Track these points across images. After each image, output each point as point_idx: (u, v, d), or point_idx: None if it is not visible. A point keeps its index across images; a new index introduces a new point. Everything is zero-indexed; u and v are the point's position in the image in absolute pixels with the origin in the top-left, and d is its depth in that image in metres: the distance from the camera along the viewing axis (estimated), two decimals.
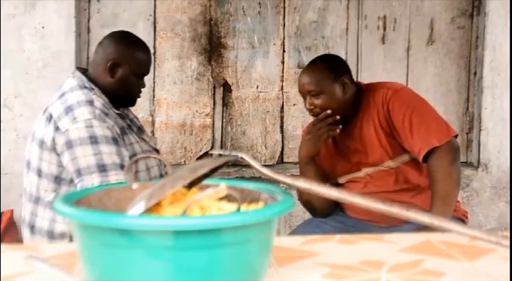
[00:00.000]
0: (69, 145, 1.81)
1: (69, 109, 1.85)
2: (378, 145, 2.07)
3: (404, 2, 3.27)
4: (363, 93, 2.13)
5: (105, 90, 1.96)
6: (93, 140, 1.80)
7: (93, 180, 1.79)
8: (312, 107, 2.06)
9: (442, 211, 1.86)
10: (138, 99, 2.13)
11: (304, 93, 2.09)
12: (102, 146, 1.81)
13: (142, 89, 2.06)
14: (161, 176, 1.99)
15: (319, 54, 3.21)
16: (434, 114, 2.05)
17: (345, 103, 2.07)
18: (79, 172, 1.80)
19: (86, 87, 1.93)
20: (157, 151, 2.17)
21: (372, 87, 2.13)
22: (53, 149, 1.85)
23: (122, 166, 1.82)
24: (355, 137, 2.11)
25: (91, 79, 1.96)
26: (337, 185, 2.19)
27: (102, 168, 1.79)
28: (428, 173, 1.95)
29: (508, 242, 0.80)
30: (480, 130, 3.23)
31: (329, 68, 2.08)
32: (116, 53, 1.97)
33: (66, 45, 2.95)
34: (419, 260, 0.93)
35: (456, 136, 2.04)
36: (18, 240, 2.76)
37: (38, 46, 2.95)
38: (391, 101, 2.02)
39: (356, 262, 0.91)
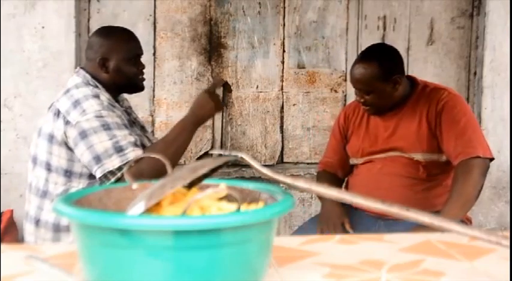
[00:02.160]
0: (83, 135, 1.84)
1: (76, 103, 1.89)
2: (414, 136, 2.10)
3: (404, 2, 3.27)
4: (415, 87, 2.16)
5: (107, 86, 2.00)
6: (106, 127, 1.85)
7: (113, 162, 1.83)
8: (362, 100, 2.12)
9: (457, 212, 1.87)
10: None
11: (355, 87, 2.15)
12: (115, 131, 1.85)
13: (144, 70, 2.09)
14: None
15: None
16: (481, 132, 2.12)
17: (393, 98, 2.12)
18: (98, 158, 1.84)
19: (90, 84, 1.97)
20: None
21: (430, 85, 2.18)
22: (64, 143, 1.89)
23: (136, 144, 1.87)
24: (391, 125, 2.15)
25: (93, 77, 2.00)
26: (353, 165, 2.27)
27: (119, 148, 1.84)
28: (457, 176, 1.95)
29: (508, 242, 0.80)
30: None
31: (382, 67, 2.06)
32: (101, 48, 2.00)
33: (66, 45, 2.95)
34: (419, 260, 0.93)
35: (493, 159, 2.07)
36: (18, 240, 2.76)
37: (38, 46, 2.95)
38: (448, 101, 2.07)
39: (356, 262, 0.91)
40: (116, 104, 1.98)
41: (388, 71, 2.07)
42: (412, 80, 2.20)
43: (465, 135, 2.00)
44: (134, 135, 1.92)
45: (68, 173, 1.91)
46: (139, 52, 2.07)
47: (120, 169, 1.82)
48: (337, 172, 2.32)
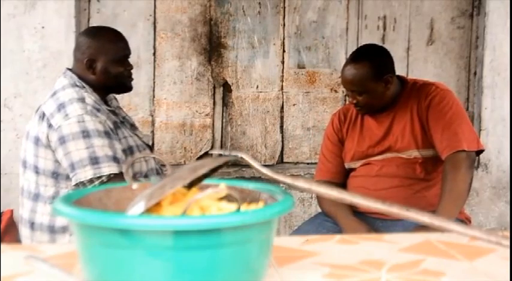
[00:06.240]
0: (62, 140, 1.83)
1: (61, 106, 1.88)
2: (409, 132, 2.11)
3: (404, 2, 3.27)
4: (405, 85, 2.17)
5: (94, 87, 1.99)
6: (85, 134, 1.82)
7: (86, 173, 1.81)
8: (354, 101, 2.11)
9: (450, 209, 1.88)
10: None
11: (346, 88, 2.15)
12: (94, 139, 1.83)
13: (131, 71, 2.07)
14: (146, 175, 2.00)
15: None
16: (470, 124, 2.11)
17: (385, 98, 2.12)
18: (72, 166, 1.82)
19: (77, 85, 1.96)
20: (150, 147, 2.20)
21: (419, 82, 2.19)
22: (48, 146, 1.88)
23: (114, 158, 1.84)
24: (385, 125, 2.15)
25: (81, 78, 1.98)
26: (350, 169, 2.25)
27: (94, 160, 1.81)
28: (446, 172, 1.96)
29: (508, 242, 0.80)
30: (480, 130, 3.23)
31: (373, 67, 2.06)
32: (88, 49, 1.99)
33: (66, 45, 2.95)
34: (419, 260, 0.93)
35: (483, 151, 2.11)
36: (18, 240, 2.76)
37: (38, 46, 2.95)
38: (435, 96, 2.08)
39: (356, 262, 0.91)
40: (102, 107, 1.96)
41: (380, 70, 2.07)
42: (402, 80, 2.20)
43: (450, 128, 2.01)
44: (116, 143, 1.88)
45: (55, 175, 1.90)
46: (126, 53, 2.06)
47: (91, 181, 1.80)
48: (335, 179, 2.27)
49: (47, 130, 1.87)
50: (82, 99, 1.90)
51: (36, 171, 1.92)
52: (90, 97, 1.93)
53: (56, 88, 1.97)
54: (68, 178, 1.88)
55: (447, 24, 3.29)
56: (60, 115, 1.86)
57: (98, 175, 1.80)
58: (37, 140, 1.90)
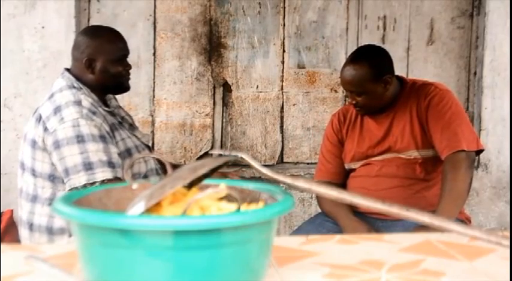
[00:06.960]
0: (57, 145, 1.83)
1: (57, 110, 1.87)
2: (408, 133, 2.11)
3: (404, 2, 3.27)
4: (405, 85, 2.17)
5: (93, 87, 1.98)
6: (80, 139, 1.81)
7: (80, 179, 1.80)
8: (354, 102, 2.12)
9: (450, 209, 1.88)
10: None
11: (346, 89, 2.16)
12: (88, 144, 1.81)
13: (130, 71, 2.07)
14: (146, 176, 1.99)
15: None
16: (470, 124, 2.12)
17: (385, 98, 2.12)
18: (67, 172, 1.82)
19: (74, 87, 1.95)
20: (149, 148, 2.19)
21: (418, 82, 2.19)
22: (45, 149, 1.87)
23: (109, 163, 1.83)
24: (385, 125, 2.16)
25: (79, 79, 1.98)
26: (350, 170, 2.25)
27: (88, 166, 1.80)
28: (445, 173, 1.96)
29: (508, 242, 0.80)
30: (480, 130, 3.23)
31: (372, 67, 2.07)
32: (87, 49, 1.98)
33: (66, 45, 2.94)
34: (419, 260, 0.93)
35: (482, 151, 2.12)
36: (18, 240, 2.76)
37: (38, 46, 2.95)
38: (435, 96, 2.08)
39: (356, 262, 0.92)
40: (99, 109, 1.94)
41: (379, 71, 2.07)
42: (401, 80, 2.21)
43: (450, 128, 2.02)
44: (112, 147, 1.87)
45: (52, 178, 1.89)
46: (125, 52, 2.05)
47: (85, 187, 1.78)
48: (335, 180, 2.26)
49: (43, 133, 1.86)
50: (78, 103, 1.88)
51: (34, 173, 1.91)
52: (87, 99, 1.92)
53: (53, 90, 1.96)
54: (64, 181, 1.88)
55: (447, 24, 3.29)
56: (55, 119, 1.85)
57: (92, 181, 1.79)
58: (34, 143, 1.89)
